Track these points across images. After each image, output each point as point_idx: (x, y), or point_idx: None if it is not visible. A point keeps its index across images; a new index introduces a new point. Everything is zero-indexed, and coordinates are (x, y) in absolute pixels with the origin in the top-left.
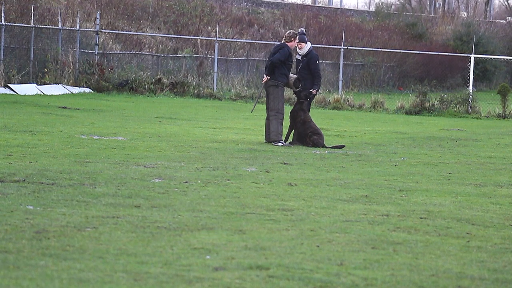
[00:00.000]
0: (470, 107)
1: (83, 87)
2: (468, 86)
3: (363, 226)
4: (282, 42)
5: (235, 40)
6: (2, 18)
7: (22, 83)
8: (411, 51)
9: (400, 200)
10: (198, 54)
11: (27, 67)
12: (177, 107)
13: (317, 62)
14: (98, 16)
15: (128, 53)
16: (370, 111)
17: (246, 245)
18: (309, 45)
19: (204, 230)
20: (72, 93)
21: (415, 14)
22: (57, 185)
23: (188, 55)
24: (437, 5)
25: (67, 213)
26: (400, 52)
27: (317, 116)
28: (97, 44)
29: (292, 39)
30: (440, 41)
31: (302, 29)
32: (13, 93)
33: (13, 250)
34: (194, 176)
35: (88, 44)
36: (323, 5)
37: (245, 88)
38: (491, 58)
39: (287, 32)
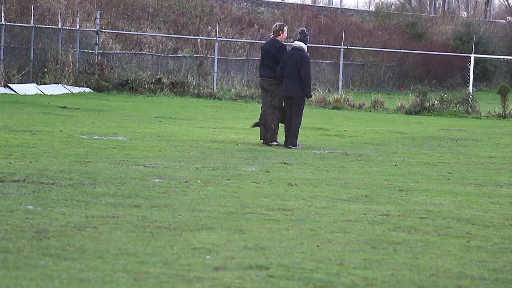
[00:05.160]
0: (470, 107)
1: (83, 87)
2: (468, 86)
3: (363, 226)
4: (272, 37)
5: (235, 40)
6: (2, 18)
7: (22, 83)
8: (411, 51)
9: (400, 200)
10: (198, 54)
11: (27, 67)
12: (177, 107)
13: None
14: (98, 16)
15: (128, 53)
16: (370, 111)
17: (246, 245)
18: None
19: (204, 230)
20: (72, 93)
21: (415, 14)
22: (57, 185)
23: (188, 55)
24: (437, 5)
25: (67, 213)
26: (400, 52)
27: (317, 116)
28: (97, 44)
29: (280, 32)
30: (440, 41)
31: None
32: (13, 93)
33: (13, 250)
34: (194, 176)
35: (88, 44)
36: (323, 5)
37: (245, 88)
38: (491, 58)
39: (274, 26)
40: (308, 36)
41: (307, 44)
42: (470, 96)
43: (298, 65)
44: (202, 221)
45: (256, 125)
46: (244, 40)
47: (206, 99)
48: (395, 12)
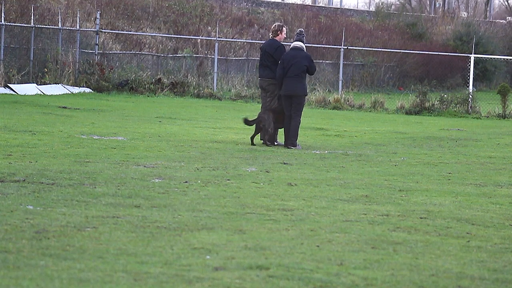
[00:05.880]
0: (470, 107)
1: (83, 87)
2: (468, 86)
3: (363, 226)
4: (271, 37)
5: (235, 40)
6: (2, 18)
7: (22, 83)
8: (411, 51)
9: (400, 200)
10: (198, 54)
11: (27, 67)
12: (177, 107)
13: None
14: (98, 16)
15: (128, 53)
16: (370, 111)
17: (246, 245)
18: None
19: (204, 230)
20: (72, 93)
21: (415, 14)
22: (57, 185)
23: (188, 55)
24: (437, 5)
25: (67, 213)
26: (400, 52)
27: (317, 116)
28: (97, 44)
29: (279, 32)
30: (440, 41)
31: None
32: (13, 93)
33: (13, 250)
34: (194, 176)
35: (88, 44)
36: (323, 5)
37: (245, 88)
38: (491, 58)
39: (272, 26)
40: (304, 37)
41: (305, 45)
42: (470, 96)
43: (304, 65)
44: (202, 221)
45: (246, 121)
46: (244, 40)
47: (206, 99)
48: (395, 12)
